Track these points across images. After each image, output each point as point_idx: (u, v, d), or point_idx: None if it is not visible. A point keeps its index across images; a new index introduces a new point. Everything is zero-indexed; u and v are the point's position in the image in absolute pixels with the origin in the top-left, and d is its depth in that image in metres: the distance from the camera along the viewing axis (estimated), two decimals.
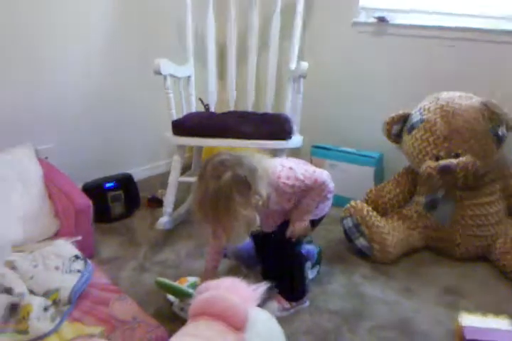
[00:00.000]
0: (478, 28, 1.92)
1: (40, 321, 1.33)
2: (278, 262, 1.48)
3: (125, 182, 2.20)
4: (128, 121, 2.40)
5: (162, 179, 2.31)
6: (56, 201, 1.87)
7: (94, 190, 2.07)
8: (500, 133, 1.73)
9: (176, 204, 2.07)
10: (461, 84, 1.87)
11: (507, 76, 1.90)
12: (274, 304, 1.51)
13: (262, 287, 1.01)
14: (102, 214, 2.06)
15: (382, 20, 2.10)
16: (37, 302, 1.37)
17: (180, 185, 2.05)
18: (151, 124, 2.44)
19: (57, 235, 1.79)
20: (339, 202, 1.83)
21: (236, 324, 0.93)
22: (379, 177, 2.19)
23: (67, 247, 1.61)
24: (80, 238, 1.69)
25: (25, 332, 1.31)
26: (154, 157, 2.58)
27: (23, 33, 1.93)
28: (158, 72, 1.88)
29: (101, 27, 2.20)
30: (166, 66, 1.91)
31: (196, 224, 1.39)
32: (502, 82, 1.91)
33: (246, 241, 1.44)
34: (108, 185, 2.13)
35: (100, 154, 2.32)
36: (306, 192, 1.41)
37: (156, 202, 2.24)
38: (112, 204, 2.13)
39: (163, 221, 1.96)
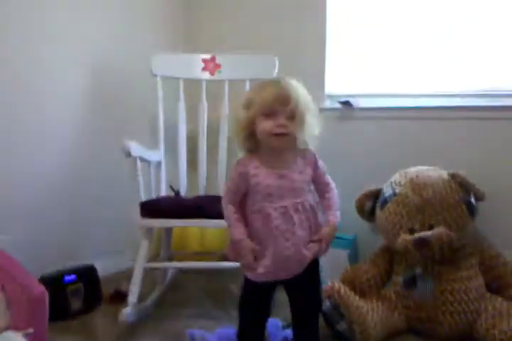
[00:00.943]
0: (433, 106, 2.07)
1: None
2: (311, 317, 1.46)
3: (86, 274, 2.05)
4: (92, 211, 2.34)
5: (126, 275, 2.10)
6: (9, 291, 1.74)
7: (52, 283, 1.90)
8: (472, 202, 1.75)
9: (142, 297, 1.92)
10: (425, 158, 1.95)
11: (469, 151, 1.98)
12: None
13: None
14: (59, 311, 1.88)
15: (346, 104, 2.21)
16: None
17: (147, 276, 1.94)
18: (118, 215, 2.37)
19: (7, 329, 1.63)
20: None
21: None
22: (354, 260, 2.14)
23: (15, 338, 1.46)
24: (31, 331, 1.54)
25: None
26: (119, 253, 2.45)
27: None
28: (128, 154, 1.87)
29: (72, 110, 2.25)
30: (136, 149, 1.91)
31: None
32: (463, 154, 2.00)
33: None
34: (67, 277, 1.99)
35: (61, 245, 2.22)
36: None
37: (120, 297, 2.06)
38: (70, 299, 1.97)
39: (127, 312, 1.79)
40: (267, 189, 1.33)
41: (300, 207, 1.35)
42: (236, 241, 1.34)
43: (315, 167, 1.41)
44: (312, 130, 1.34)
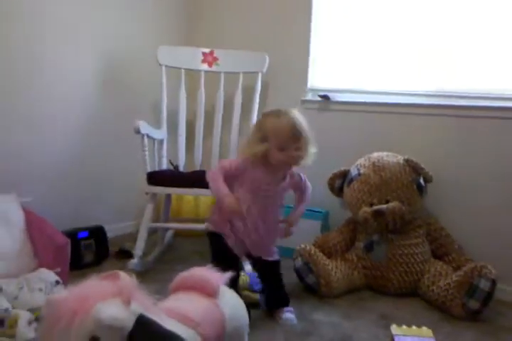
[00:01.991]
0: (395, 103, 2.40)
1: (26, 329, 1.50)
2: (278, 279, 1.86)
3: (97, 233, 2.38)
4: (102, 181, 2.66)
5: (131, 237, 2.49)
6: (36, 242, 2.05)
7: (68, 237, 2.23)
8: (421, 183, 2.13)
9: (144, 255, 2.25)
10: (387, 146, 2.30)
11: (424, 141, 2.33)
12: (290, 314, 1.80)
13: (228, 274, 1.26)
14: (74, 261, 2.17)
15: (325, 97, 2.55)
16: (23, 314, 1.54)
17: (148, 239, 2.27)
18: (124, 185, 2.72)
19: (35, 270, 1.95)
20: (289, 253, 2.13)
21: (209, 292, 1.17)
22: (325, 230, 2.48)
23: (49, 274, 1.80)
24: (59, 269, 1.87)
25: (12, 336, 1.47)
26: (124, 217, 2.79)
27: (17, 95, 2.23)
28: (137, 131, 2.19)
29: (84, 92, 2.53)
30: (144, 127, 2.24)
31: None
32: (417, 144, 2.34)
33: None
34: (81, 234, 2.32)
35: (75, 209, 2.53)
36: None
37: (125, 254, 2.40)
38: (83, 252, 2.29)
39: (134, 262, 2.16)
40: (256, 183, 1.71)
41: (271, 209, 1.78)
42: (224, 195, 1.65)
43: (299, 184, 1.83)
44: (311, 156, 1.72)
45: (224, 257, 1.76)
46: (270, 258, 1.83)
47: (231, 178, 1.70)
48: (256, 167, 1.70)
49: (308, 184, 1.85)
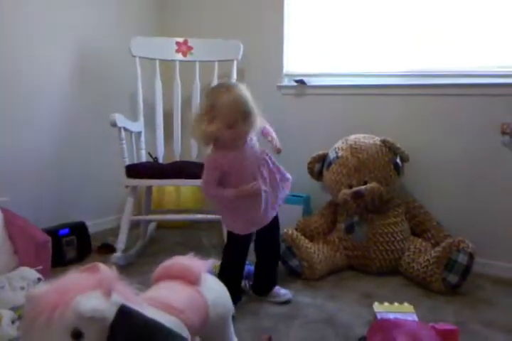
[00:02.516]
0: (370, 85, 2.43)
1: (9, 328, 1.50)
2: (275, 249, 1.90)
3: (78, 229, 2.37)
4: (82, 177, 2.64)
5: (113, 232, 2.49)
6: (16, 240, 2.03)
7: (49, 235, 2.19)
8: (398, 163, 2.16)
9: (126, 248, 2.25)
10: (365, 128, 2.32)
11: (400, 121, 2.36)
12: (284, 290, 1.88)
13: (211, 261, 1.27)
14: (56, 258, 2.16)
15: (301, 82, 2.56)
16: (6, 313, 1.54)
17: (130, 232, 2.27)
18: (104, 179, 2.71)
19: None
20: None
21: (191, 280, 1.18)
22: (307, 214, 2.50)
23: (31, 272, 1.79)
24: (41, 267, 1.87)
25: None
26: (105, 212, 2.79)
27: None
28: (113, 124, 2.18)
29: (60, 86, 2.51)
30: (120, 119, 2.23)
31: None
32: (394, 125, 2.37)
33: None
34: (62, 231, 2.30)
35: (55, 207, 2.52)
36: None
37: (107, 248, 2.39)
38: (65, 248, 2.29)
39: (117, 256, 2.17)
40: (236, 173, 1.70)
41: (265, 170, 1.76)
42: (234, 194, 1.68)
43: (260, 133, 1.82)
44: (259, 127, 1.72)
45: (238, 257, 1.82)
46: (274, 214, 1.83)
47: (220, 178, 1.71)
48: (225, 150, 1.69)
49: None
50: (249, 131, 1.67)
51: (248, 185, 1.67)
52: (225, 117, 1.62)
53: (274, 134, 1.85)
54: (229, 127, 1.63)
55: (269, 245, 1.89)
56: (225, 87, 1.68)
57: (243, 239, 1.78)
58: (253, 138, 1.75)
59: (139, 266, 2.19)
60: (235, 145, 1.70)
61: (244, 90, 1.67)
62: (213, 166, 1.70)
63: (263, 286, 1.91)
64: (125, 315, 0.95)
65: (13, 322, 1.53)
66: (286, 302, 1.86)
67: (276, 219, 1.84)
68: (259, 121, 1.69)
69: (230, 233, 1.80)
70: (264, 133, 1.84)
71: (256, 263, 1.92)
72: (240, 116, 1.63)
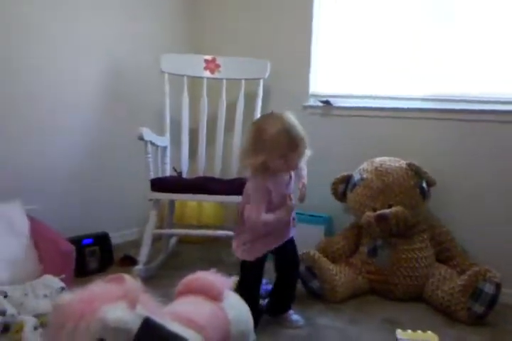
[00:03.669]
0: (397, 108, 2.41)
1: (31, 334, 1.50)
2: (294, 271, 1.87)
3: (101, 240, 2.39)
4: (107, 189, 2.67)
5: (135, 244, 2.49)
6: (41, 249, 2.06)
7: (73, 245, 2.26)
8: (424, 187, 2.13)
9: (147, 261, 2.26)
10: (390, 151, 2.30)
11: (425, 145, 2.34)
12: (297, 316, 1.85)
13: (233, 278, 1.27)
14: (78, 268, 2.17)
15: (327, 103, 2.56)
16: (29, 320, 1.55)
17: (152, 246, 2.28)
18: (128, 192, 2.73)
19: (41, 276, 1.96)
20: None
21: (214, 296, 1.18)
22: (328, 235, 2.46)
23: (54, 280, 1.81)
24: (64, 276, 1.88)
25: None
26: (128, 224, 2.79)
27: (22, 102, 2.25)
28: (141, 138, 2.21)
29: (90, 100, 2.56)
30: (148, 134, 2.26)
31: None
32: (420, 148, 2.35)
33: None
34: (85, 241, 2.33)
35: (79, 217, 2.53)
36: None
37: (129, 260, 2.40)
38: (88, 259, 2.31)
39: (139, 268, 2.17)
40: (276, 195, 1.70)
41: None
42: (276, 217, 1.68)
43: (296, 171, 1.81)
44: (306, 157, 1.72)
45: (253, 279, 1.79)
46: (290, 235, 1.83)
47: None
48: (268, 178, 1.69)
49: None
50: (300, 160, 1.67)
51: (284, 208, 1.67)
52: (277, 149, 1.61)
53: (305, 180, 1.81)
54: (280, 157, 1.63)
55: (288, 264, 1.87)
56: (272, 118, 1.67)
57: (257, 263, 1.76)
58: None
59: (160, 278, 2.18)
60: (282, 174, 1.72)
61: (292, 118, 1.67)
62: (264, 190, 1.67)
63: (277, 307, 1.88)
64: (149, 327, 0.95)
65: (35, 328, 1.54)
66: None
67: (291, 239, 1.84)
68: (308, 152, 1.69)
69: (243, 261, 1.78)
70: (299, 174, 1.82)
71: (274, 282, 1.90)
72: (290, 146, 1.62)
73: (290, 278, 1.88)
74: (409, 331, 1.62)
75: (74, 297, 0.96)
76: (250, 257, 1.74)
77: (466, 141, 2.24)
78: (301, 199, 1.77)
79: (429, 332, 1.62)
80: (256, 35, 2.86)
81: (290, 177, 1.78)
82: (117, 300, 0.96)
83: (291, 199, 1.72)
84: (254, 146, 1.65)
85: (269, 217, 1.66)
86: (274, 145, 1.61)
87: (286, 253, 1.84)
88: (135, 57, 2.76)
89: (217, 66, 2.70)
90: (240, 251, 1.76)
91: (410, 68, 2.40)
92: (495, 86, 2.20)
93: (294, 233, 1.85)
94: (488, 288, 1.83)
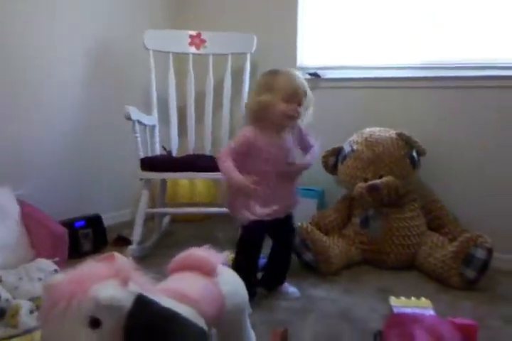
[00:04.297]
0: (385, 77, 2.40)
1: (27, 318, 1.51)
2: (289, 243, 1.87)
3: (94, 222, 2.39)
4: (97, 170, 2.65)
5: (128, 224, 2.48)
6: (33, 232, 2.05)
7: (65, 227, 2.24)
8: (414, 156, 2.13)
9: (141, 241, 2.25)
10: (380, 122, 2.29)
11: (416, 114, 2.33)
12: (293, 289, 1.86)
13: (227, 253, 1.27)
14: (72, 250, 2.17)
15: (315, 75, 2.53)
16: (24, 304, 1.55)
17: (145, 226, 2.28)
18: (119, 172, 2.71)
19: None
20: None
21: (207, 271, 1.18)
22: (321, 208, 2.49)
23: (48, 263, 1.81)
24: (57, 259, 1.88)
25: (14, 326, 1.48)
26: (120, 205, 2.79)
27: (5, 90, 2.20)
28: (128, 117, 2.18)
29: (74, 80, 2.51)
30: (135, 113, 2.23)
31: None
32: (410, 118, 2.34)
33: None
34: (78, 223, 2.33)
35: (70, 199, 2.52)
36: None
37: (123, 241, 2.41)
38: (81, 241, 2.31)
39: (133, 248, 2.17)
40: (267, 155, 1.68)
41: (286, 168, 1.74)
42: (238, 181, 1.62)
43: (300, 135, 1.79)
44: (309, 115, 1.72)
45: (251, 250, 1.77)
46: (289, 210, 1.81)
47: (239, 155, 1.66)
48: (262, 132, 1.67)
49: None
50: (301, 112, 1.66)
51: (236, 178, 1.62)
52: (283, 90, 1.62)
53: (315, 152, 1.79)
54: (285, 101, 1.62)
55: (284, 235, 1.86)
56: (283, 69, 1.69)
57: (255, 230, 1.74)
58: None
59: (154, 258, 2.19)
60: (280, 128, 1.68)
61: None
62: (246, 139, 1.66)
63: (271, 280, 1.89)
64: (142, 303, 0.95)
65: (31, 312, 1.54)
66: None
67: (290, 216, 1.83)
68: (310, 114, 1.69)
69: (242, 226, 1.77)
70: (304, 143, 1.79)
71: (269, 254, 1.90)
72: (297, 93, 1.62)
73: (285, 247, 1.89)
74: (403, 298, 1.64)
75: (65, 277, 0.95)
76: (243, 218, 1.72)
77: (455, 108, 2.24)
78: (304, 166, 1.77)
79: (423, 298, 1.64)
80: (241, 8, 2.82)
81: (290, 143, 1.74)
82: (109, 278, 0.95)
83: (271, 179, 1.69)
84: (259, 89, 1.67)
85: (228, 166, 1.63)
86: (281, 86, 1.62)
87: (283, 226, 1.83)
88: (119, 34, 2.71)
89: (203, 41, 2.65)
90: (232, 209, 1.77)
91: (399, 36, 2.38)
92: (490, 51, 2.19)
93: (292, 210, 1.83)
94: (480, 254, 1.85)
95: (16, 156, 2.27)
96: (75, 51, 2.51)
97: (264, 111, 1.65)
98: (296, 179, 1.82)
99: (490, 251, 1.86)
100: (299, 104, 1.65)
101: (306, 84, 1.68)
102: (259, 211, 1.71)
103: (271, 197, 1.71)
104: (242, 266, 1.73)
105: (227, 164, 1.64)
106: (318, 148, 1.82)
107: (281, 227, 1.82)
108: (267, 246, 1.86)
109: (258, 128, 1.68)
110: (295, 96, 1.63)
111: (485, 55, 2.18)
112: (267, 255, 1.91)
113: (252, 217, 1.70)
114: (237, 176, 1.62)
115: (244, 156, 1.67)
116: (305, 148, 1.81)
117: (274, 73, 1.69)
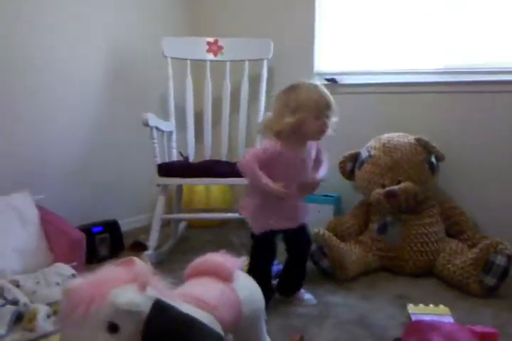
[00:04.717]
0: (403, 82, 2.39)
1: (45, 322, 1.52)
2: (304, 253, 1.84)
3: (111, 227, 2.40)
4: (114, 176, 2.67)
5: (145, 230, 2.49)
6: (51, 237, 2.07)
7: (83, 233, 2.27)
8: (433, 162, 2.11)
9: (157, 247, 2.27)
10: (398, 127, 2.28)
11: (435, 120, 2.31)
12: (309, 295, 1.84)
13: (243, 259, 1.27)
14: (89, 256, 2.18)
15: (332, 81, 2.53)
16: (42, 308, 1.56)
17: (161, 231, 2.29)
18: (136, 178, 2.73)
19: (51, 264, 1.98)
20: None
21: (224, 276, 1.18)
22: (338, 214, 2.48)
23: (65, 268, 1.82)
24: (75, 264, 1.90)
25: (32, 330, 1.49)
26: (137, 210, 2.81)
27: (26, 93, 2.23)
28: (146, 124, 2.20)
29: (94, 86, 2.54)
30: (153, 119, 2.24)
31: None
32: (428, 123, 2.32)
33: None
34: (95, 229, 2.34)
35: (88, 205, 2.54)
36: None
37: (139, 246, 2.42)
38: (98, 246, 2.32)
39: (149, 253, 2.18)
40: (292, 168, 1.68)
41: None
42: (269, 184, 1.60)
43: (318, 152, 1.79)
44: (334, 124, 1.71)
45: (263, 256, 1.77)
46: (301, 221, 1.79)
47: (263, 165, 1.64)
48: (287, 146, 1.66)
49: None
50: (329, 124, 1.65)
51: (277, 188, 1.61)
52: (312, 108, 1.61)
53: (325, 167, 1.78)
54: (316, 117, 1.62)
55: (299, 244, 1.85)
56: (303, 83, 1.67)
57: (264, 238, 1.73)
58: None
59: (170, 263, 2.19)
60: (304, 141, 1.69)
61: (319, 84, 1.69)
62: (275, 150, 1.64)
63: (287, 287, 1.88)
64: (160, 309, 0.95)
65: (48, 316, 1.56)
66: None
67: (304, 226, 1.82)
68: (334, 123, 1.68)
69: (252, 234, 1.76)
70: (317, 156, 1.78)
71: (285, 261, 1.89)
72: (325, 108, 1.62)
73: (300, 257, 1.87)
74: (421, 305, 1.63)
75: (83, 281, 0.96)
76: (255, 228, 1.72)
77: (474, 114, 2.22)
78: (305, 186, 1.74)
79: (441, 305, 1.63)
80: (257, 14, 2.84)
81: (308, 158, 1.74)
82: (127, 283, 0.96)
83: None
84: (284, 110, 1.63)
85: (257, 170, 1.61)
86: (309, 103, 1.60)
87: (297, 235, 1.82)
88: (136, 41, 2.74)
89: (220, 48, 2.68)
90: (245, 214, 1.75)
91: (416, 42, 2.36)
92: (505, 56, 2.16)
93: (306, 219, 1.82)
94: (500, 260, 1.82)
95: (35, 161, 2.29)
96: (95, 59, 2.55)
97: (294, 129, 1.63)
98: (310, 193, 1.81)
99: (510, 258, 1.83)
100: (327, 117, 1.65)
101: (329, 94, 1.67)
102: (274, 222, 1.71)
103: (287, 209, 1.72)
104: (256, 272, 1.73)
105: (255, 168, 1.62)
106: (327, 163, 1.81)
107: (296, 237, 1.81)
108: (284, 251, 1.85)
109: (283, 141, 1.67)
110: (324, 112, 1.63)
111: (507, 60, 2.15)
112: (284, 262, 1.90)
113: (265, 228, 1.70)
114: (267, 179, 1.62)
115: (266, 167, 1.65)
116: (316, 162, 1.80)
117: (295, 89, 1.65)
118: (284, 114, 1.63)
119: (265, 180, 1.62)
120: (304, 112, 1.61)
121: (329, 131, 1.68)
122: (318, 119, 1.62)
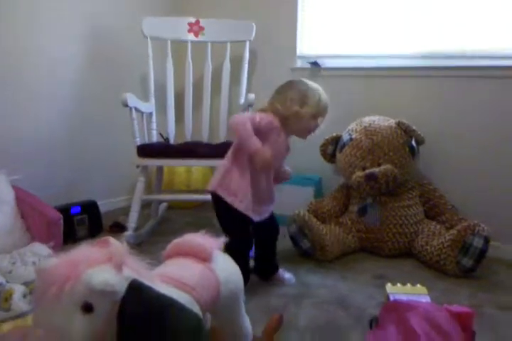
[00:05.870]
0: (384, 66, 2.38)
1: (20, 302, 1.50)
2: (274, 238, 1.85)
3: (90, 208, 2.37)
4: (93, 156, 2.64)
5: (124, 211, 2.47)
6: (28, 218, 2.05)
7: (61, 213, 2.23)
8: (413, 145, 2.12)
9: (137, 228, 2.26)
10: (379, 110, 2.28)
11: (416, 103, 2.31)
12: (289, 275, 1.87)
13: (222, 239, 1.26)
14: (68, 236, 2.17)
15: (315, 64, 2.51)
16: (18, 288, 1.54)
17: (141, 212, 2.27)
18: (116, 159, 2.70)
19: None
20: (285, 220, 2.09)
21: (203, 257, 1.16)
22: (318, 196, 2.48)
23: (42, 247, 1.80)
24: (52, 244, 1.88)
25: (7, 310, 1.47)
26: (116, 191, 2.79)
27: (3, 73, 2.18)
28: (125, 104, 2.15)
29: (72, 66, 2.49)
30: (132, 99, 2.20)
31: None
32: (409, 107, 2.33)
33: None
34: (74, 209, 2.31)
35: (66, 186, 2.51)
36: None
37: (118, 227, 2.40)
38: (77, 227, 2.30)
39: (128, 235, 2.17)
40: (277, 147, 1.66)
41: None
42: (259, 148, 1.58)
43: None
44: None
45: (238, 222, 1.70)
46: (271, 209, 1.79)
47: (255, 133, 1.59)
48: (281, 130, 1.68)
49: None
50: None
51: (266, 153, 1.58)
52: (315, 108, 1.67)
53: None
54: (312, 117, 1.68)
55: (269, 231, 1.84)
56: (313, 84, 1.74)
57: (240, 218, 1.68)
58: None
59: (150, 244, 2.18)
60: (289, 135, 1.73)
61: None
62: (272, 121, 1.65)
63: (266, 269, 1.88)
64: (136, 289, 0.94)
65: (24, 296, 1.54)
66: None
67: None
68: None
69: (226, 215, 1.72)
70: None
71: (255, 246, 1.85)
72: (324, 112, 1.71)
73: (270, 244, 1.87)
74: (399, 285, 1.64)
75: (58, 261, 0.94)
76: (239, 206, 1.66)
77: (453, 98, 2.22)
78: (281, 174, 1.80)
79: (419, 285, 1.64)
80: None
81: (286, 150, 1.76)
82: (102, 263, 0.94)
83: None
84: (296, 99, 1.67)
85: (250, 132, 1.57)
86: (315, 104, 1.68)
87: (266, 223, 1.79)
88: (117, 21, 2.67)
89: (201, 28, 2.62)
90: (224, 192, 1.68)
91: (399, 26, 2.34)
92: (487, 41, 2.16)
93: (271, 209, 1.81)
94: (477, 242, 1.85)
95: (11, 142, 2.25)
96: (73, 38, 2.48)
97: (292, 119, 1.67)
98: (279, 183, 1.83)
99: (487, 240, 1.86)
100: (321, 121, 1.73)
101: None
102: (248, 206, 1.66)
103: (264, 192, 1.72)
104: (234, 253, 1.71)
105: (249, 126, 1.58)
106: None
107: (265, 224, 1.78)
108: None
109: (281, 127, 1.69)
110: (321, 115, 1.70)
111: (488, 45, 2.15)
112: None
113: (238, 206, 1.65)
114: (260, 144, 1.59)
115: (257, 136, 1.60)
116: None
117: (314, 87, 1.72)
118: (293, 102, 1.67)
119: (256, 140, 1.58)
120: (307, 108, 1.67)
121: (312, 134, 1.75)
122: (315, 121, 1.69)
